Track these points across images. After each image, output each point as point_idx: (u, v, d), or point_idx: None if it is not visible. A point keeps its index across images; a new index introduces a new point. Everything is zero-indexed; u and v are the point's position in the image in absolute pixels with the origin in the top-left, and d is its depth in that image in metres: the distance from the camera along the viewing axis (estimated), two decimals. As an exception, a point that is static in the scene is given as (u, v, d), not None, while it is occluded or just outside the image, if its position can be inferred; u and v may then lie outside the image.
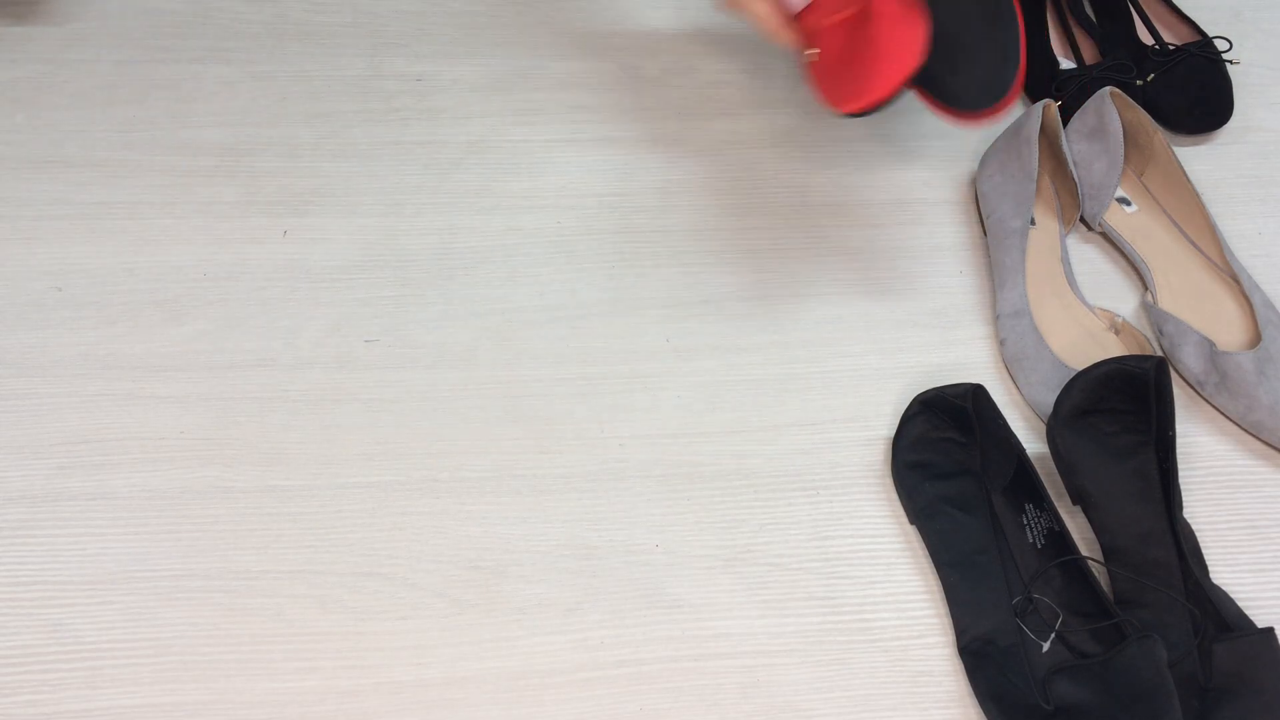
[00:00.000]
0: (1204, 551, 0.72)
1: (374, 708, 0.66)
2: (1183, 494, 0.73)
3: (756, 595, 0.71)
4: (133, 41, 0.96)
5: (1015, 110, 0.97)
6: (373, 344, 0.80)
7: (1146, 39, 0.99)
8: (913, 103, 0.97)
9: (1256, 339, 0.80)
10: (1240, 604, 0.69)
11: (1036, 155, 0.85)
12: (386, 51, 0.98)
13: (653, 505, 0.74)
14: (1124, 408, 0.74)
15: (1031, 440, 0.77)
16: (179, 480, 0.73)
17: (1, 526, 0.71)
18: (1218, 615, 0.68)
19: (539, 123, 0.94)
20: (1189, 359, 0.80)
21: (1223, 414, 0.79)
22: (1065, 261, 0.85)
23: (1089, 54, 1.00)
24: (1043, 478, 0.72)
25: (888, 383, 0.80)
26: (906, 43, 0.72)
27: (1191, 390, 0.81)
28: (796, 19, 0.83)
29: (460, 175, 0.90)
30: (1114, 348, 0.81)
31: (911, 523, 0.73)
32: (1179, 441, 0.73)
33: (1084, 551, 0.71)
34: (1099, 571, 0.71)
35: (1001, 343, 0.82)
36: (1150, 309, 0.83)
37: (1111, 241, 0.88)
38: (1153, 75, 0.95)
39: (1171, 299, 0.84)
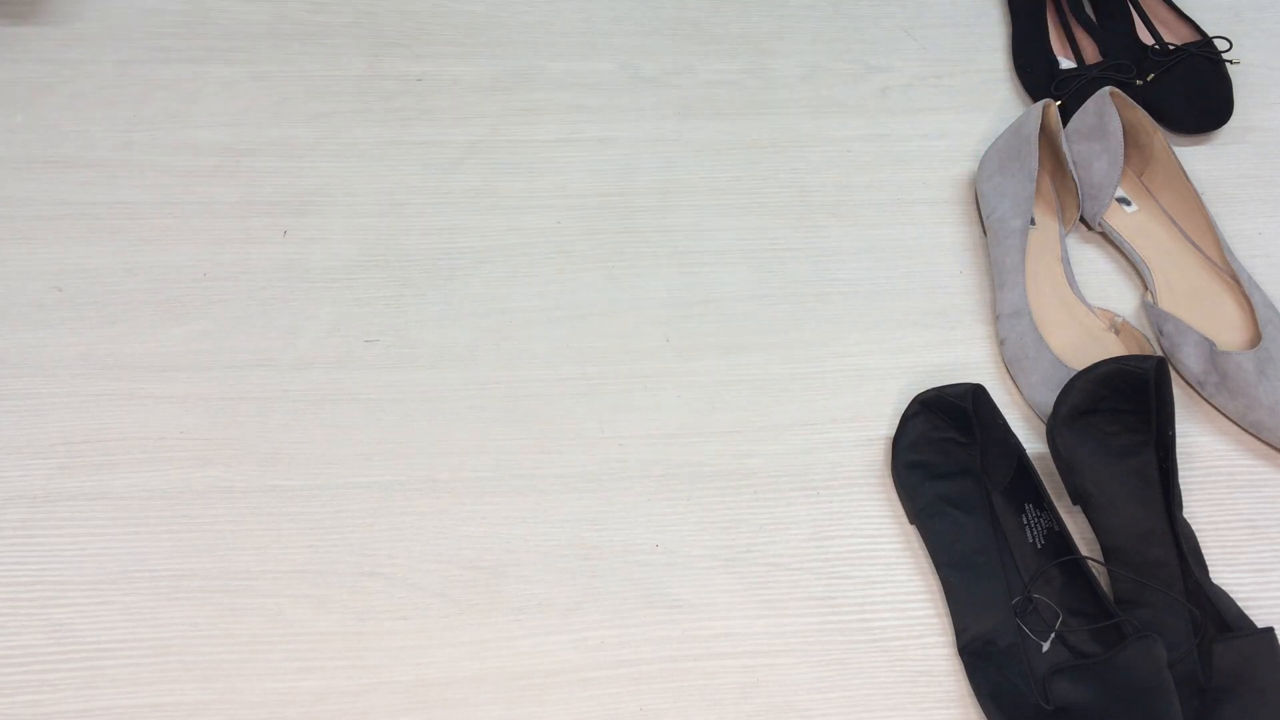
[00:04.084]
0: (1204, 551, 0.72)
1: (374, 708, 0.66)
2: (1183, 494, 0.73)
3: (756, 595, 0.71)
4: (133, 41, 0.96)
5: (1009, 117, 0.97)
6: (373, 344, 0.80)
7: (1146, 39, 0.99)
8: (911, 102, 0.97)
9: (1256, 339, 0.80)
10: (1240, 604, 0.69)
11: (1036, 155, 0.85)
12: (386, 51, 0.98)
13: (653, 505, 0.74)
14: (1124, 408, 0.73)
15: (1031, 440, 0.77)
16: (179, 480, 0.73)
17: (1, 526, 0.71)
18: (1218, 615, 0.68)
19: (539, 123, 0.94)
20: (1189, 359, 0.80)
21: (1223, 414, 0.79)
22: (1065, 261, 0.85)
23: (1089, 54, 1.00)
24: (1043, 478, 0.72)
25: (888, 383, 0.80)
26: None
27: (1191, 390, 0.81)
28: None
29: (460, 175, 0.90)
30: (1114, 348, 0.81)
31: (911, 523, 0.73)
32: (1179, 441, 0.73)
33: (1084, 551, 0.71)
34: (1099, 571, 0.71)
35: (1001, 343, 0.82)
36: (1150, 309, 0.83)
37: (1111, 241, 0.88)
38: (1153, 75, 0.95)
39: (1171, 299, 0.84)
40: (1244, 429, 0.78)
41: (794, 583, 0.71)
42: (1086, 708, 0.64)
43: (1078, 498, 0.73)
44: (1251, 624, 0.68)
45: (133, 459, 0.74)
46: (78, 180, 0.87)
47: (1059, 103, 0.93)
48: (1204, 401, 0.80)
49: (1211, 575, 0.71)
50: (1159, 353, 0.81)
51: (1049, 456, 0.75)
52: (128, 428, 0.75)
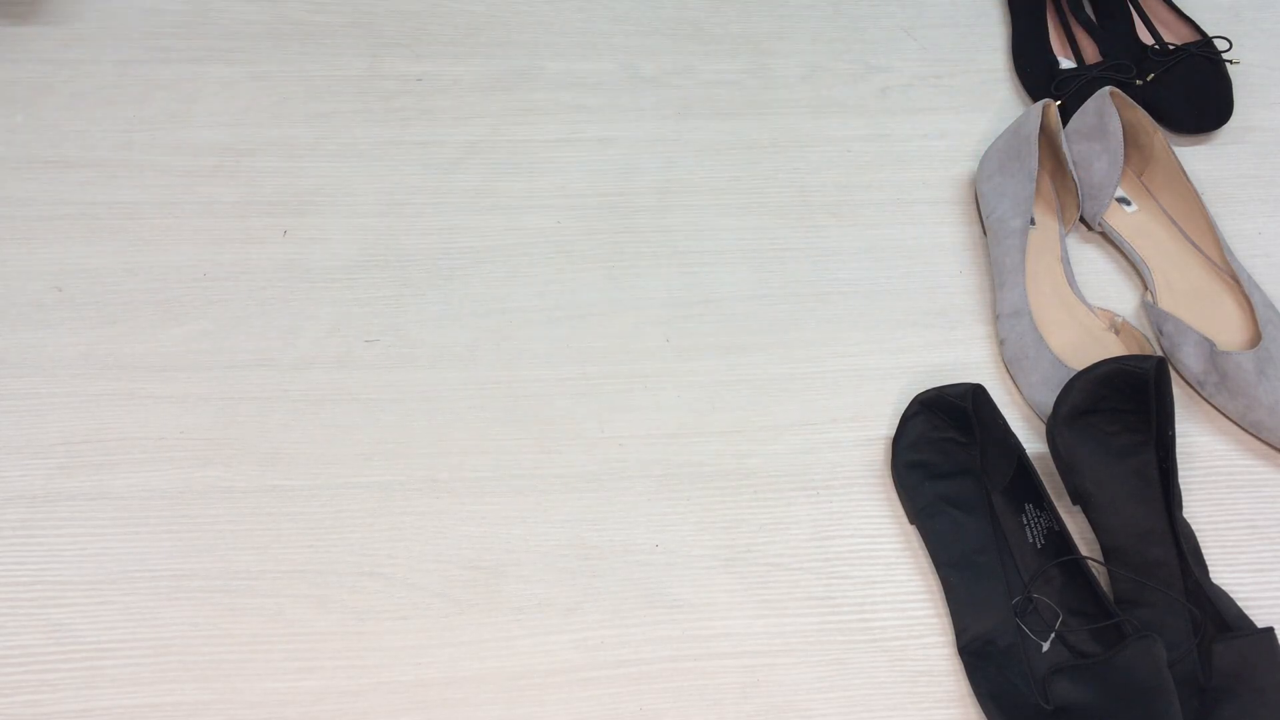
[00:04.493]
0: (1204, 551, 0.72)
1: (374, 708, 0.66)
2: (1182, 494, 0.73)
3: (756, 595, 0.71)
4: (133, 41, 0.96)
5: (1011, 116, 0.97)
6: (373, 344, 0.80)
7: (1147, 39, 0.99)
8: (911, 102, 0.97)
9: (1256, 339, 0.80)
10: (1240, 604, 0.69)
11: (1036, 155, 0.85)
12: (386, 51, 0.98)
13: (653, 505, 0.74)
14: (1124, 408, 0.73)
15: (1031, 440, 0.77)
16: (179, 480, 0.73)
17: (1, 526, 0.71)
18: (1218, 615, 0.68)
19: (539, 123, 0.94)
20: (1189, 359, 0.80)
21: (1222, 414, 0.79)
22: (1065, 261, 0.85)
23: (1089, 54, 1.00)
24: (1043, 478, 0.72)
25: (888, 383, 0.80)
26: None
27: (1191, 390, 0.81)
28: None
29: (460, 175, 0.90)
30: (1114, 348, 0.81)
31: (911, 523, 0.73)
32: (1179, 441, 0.73)
33: (1084, 551, 0.71)
34: (1099, 571, 0.71)
35: (1001, 343, 0.82)
36: (1150, 309, 0.83)
37: (1111, 241, 0.88)
38: (1153, 75, 0.95)
39: (1171, 299, 0.84)
40: (1244, 429, 0.78)
41: (794, 583, 0.71)
42: (1086, 708, 0.64)
43: (1078, 498, 0.73)
44: (1251, 624, 0.68)
45: (133, 459, 0.74)
46: (78, 180, 0.87)
47: (1059, 103, 0.93)
48: (1204, 401, 0.80)
49: (1211, 575, 0.71)
50: (1159, 353, 0.81)
51: (1049, 456, 0.75)
52: (128, 428, 0.75)
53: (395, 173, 0.89)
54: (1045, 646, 0.68)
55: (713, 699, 0.67)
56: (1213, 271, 0.85)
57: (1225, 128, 0.95)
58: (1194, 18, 1.01)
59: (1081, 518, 0.74)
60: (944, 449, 0.75)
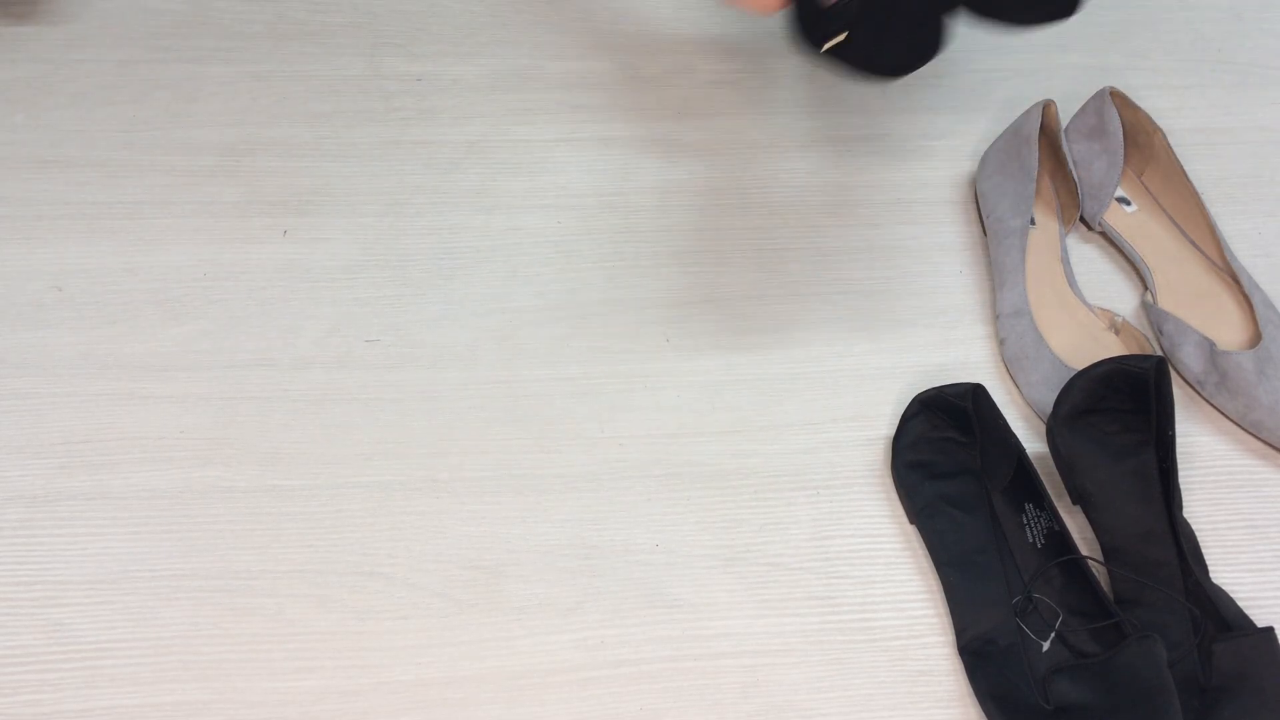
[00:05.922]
0: (1204, 551, 0.72)
1: (374, 708, 0.66)
2: (1182, 494, 0.73)
3: (756, 595, 0.71)
4: (133, 41, 0.96)
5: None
6: (373, 344, 0.80)
7: None
8: (911, 102, 0.97)
9: (1256, 339, 0.80)
10: (1240, 604, 0.69)
11: (1036, 155, 0.85)
12: (386, 51, 0.98)
13: (653, 505, 0.74)
14: (1124, 407, 0.74)
15: (1031, 440, 0.77)
16: (179, 480, 0.73)
17: (1, 526, 0.71)
18: (1218, 615, 0.68)
19: (539, 123, 0.94)
20: (1189, 359, 0.80)
21: (1222, 414, 0.79)
22: (1065, 261, 0.85)
23: None
24: (1043, 477, 0.72)
25: (888, 383, 0.80)
26: None
27: (1191, 390, 0.81)
28: None
29: (460, 175, 0.90)
30: (1114, 347, 0.81)
31: (911, 523, 0.73)
32: (1179, 441, 0.73)
33: (1084, 551, 0.71)
34: (1099, 571, 0.71)
35: (1001, 343, 0.82)
36: (1150, 309, 0.83)
37: (1111, 241, 0.88)
38: None
39: (1171, 299, 0.84)
40: (1244, 429, 0.78)
41: (794, 582, 0.71)
42: (1086, 707, 0.64)
43: (1078, 497, 0.73)
44: (1251, 624, 0.68)
45: (133, 459, 0.74)
46: (78, 180, 0.87)
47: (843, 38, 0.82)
48: (1204, 401, 0.80)
49: (1211, 575, 0.71)
50: (1159, 353, 0.81)
51: (1049, 456, 0.75)
52: (128, 428, 0.75)
53: (395, 173, 0.89)
54: (1045, 646, 0.68)
55: (713, 699, 0.67)
56: (1213, 271, 0.85)
57: (1225, 128, 0.95)
58: (1194, 18, 1.00)
59: (1081, 518, 0.74)
60: (944, 449, 0.75)
